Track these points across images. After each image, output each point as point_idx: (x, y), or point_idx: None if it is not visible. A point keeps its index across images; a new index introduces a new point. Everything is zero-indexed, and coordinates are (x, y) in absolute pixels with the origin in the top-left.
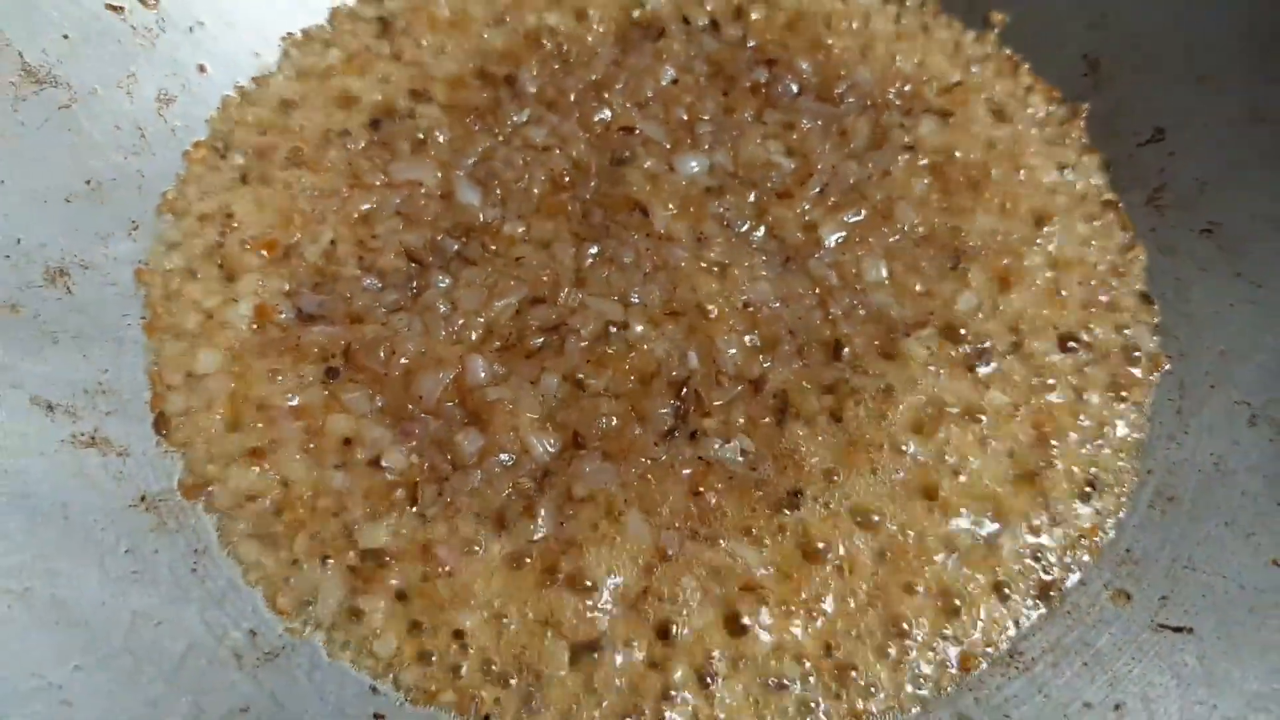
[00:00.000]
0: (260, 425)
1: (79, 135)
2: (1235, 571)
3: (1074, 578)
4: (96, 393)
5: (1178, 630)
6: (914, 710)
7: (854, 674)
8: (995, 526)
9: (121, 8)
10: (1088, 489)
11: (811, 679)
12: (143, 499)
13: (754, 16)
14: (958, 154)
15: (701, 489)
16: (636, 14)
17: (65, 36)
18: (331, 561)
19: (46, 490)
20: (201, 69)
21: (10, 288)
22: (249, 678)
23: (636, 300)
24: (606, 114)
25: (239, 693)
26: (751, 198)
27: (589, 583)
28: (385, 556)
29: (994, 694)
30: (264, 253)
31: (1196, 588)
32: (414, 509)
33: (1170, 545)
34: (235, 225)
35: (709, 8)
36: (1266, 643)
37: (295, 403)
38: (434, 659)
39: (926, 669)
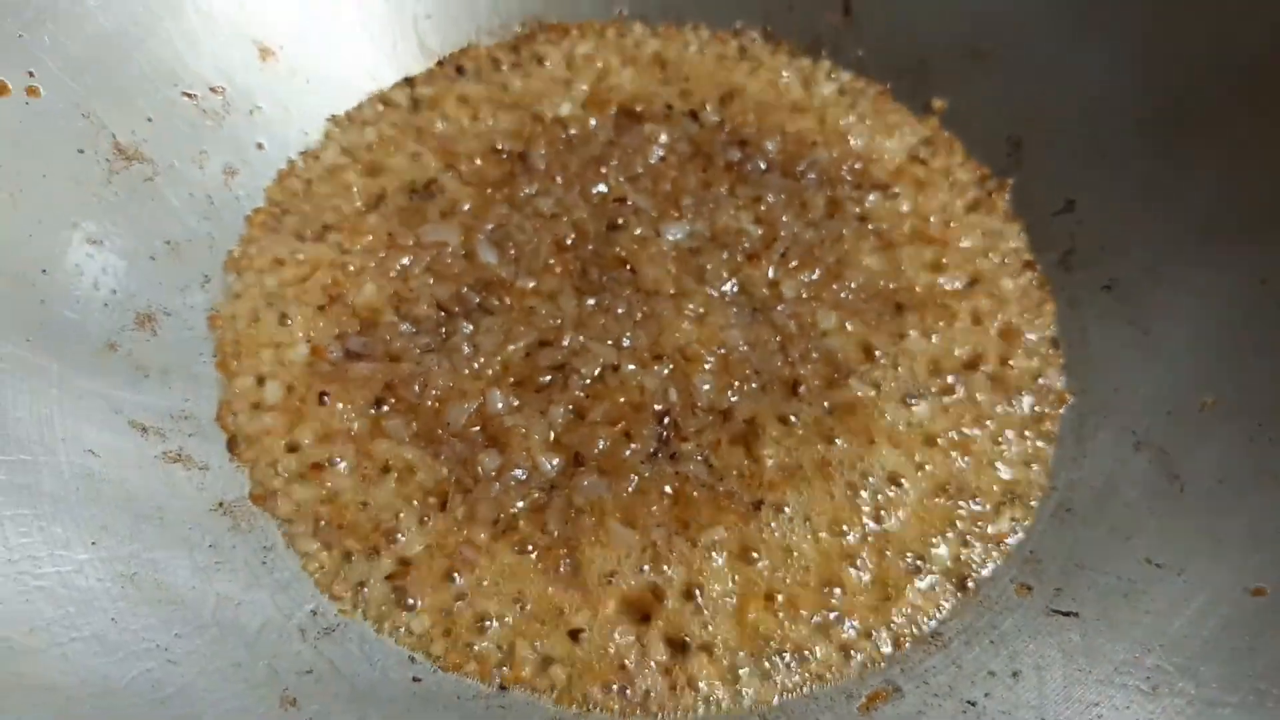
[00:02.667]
0: (315, 447)
1: (161, 203)
2: (1115, 567)
3: (986, 574)
4: (180, 418)
5: (1066, 614)
6: (852, 677)
7: (804, 650)
8: (924, 533)
9: (195, 95)
10: (1002, 502)
11: (768, 653)
12: (221, 505)
13: (730, 105)
14: (901, 221)
15: (680, 500)
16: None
17: (149, 120)
18: (376, 557)
19: (145, 496)
20: (260, 146)
21: (110, 330)
22: (311, 648)
23: (628, 344)
24: (603, 187)
25: (304, 659)
26: (725, 259)
27: (586, 574)
28: (420, 553)
29: (916, 666)
30: (315, 302)
31: (1084, 581)
32: (443, 514)
33: (1065, 548)
34: (291, 279)
35: (695, 100)
36: (1133, 622)
37: (344, 428)
38: (460, 637)
39: (862, 646)
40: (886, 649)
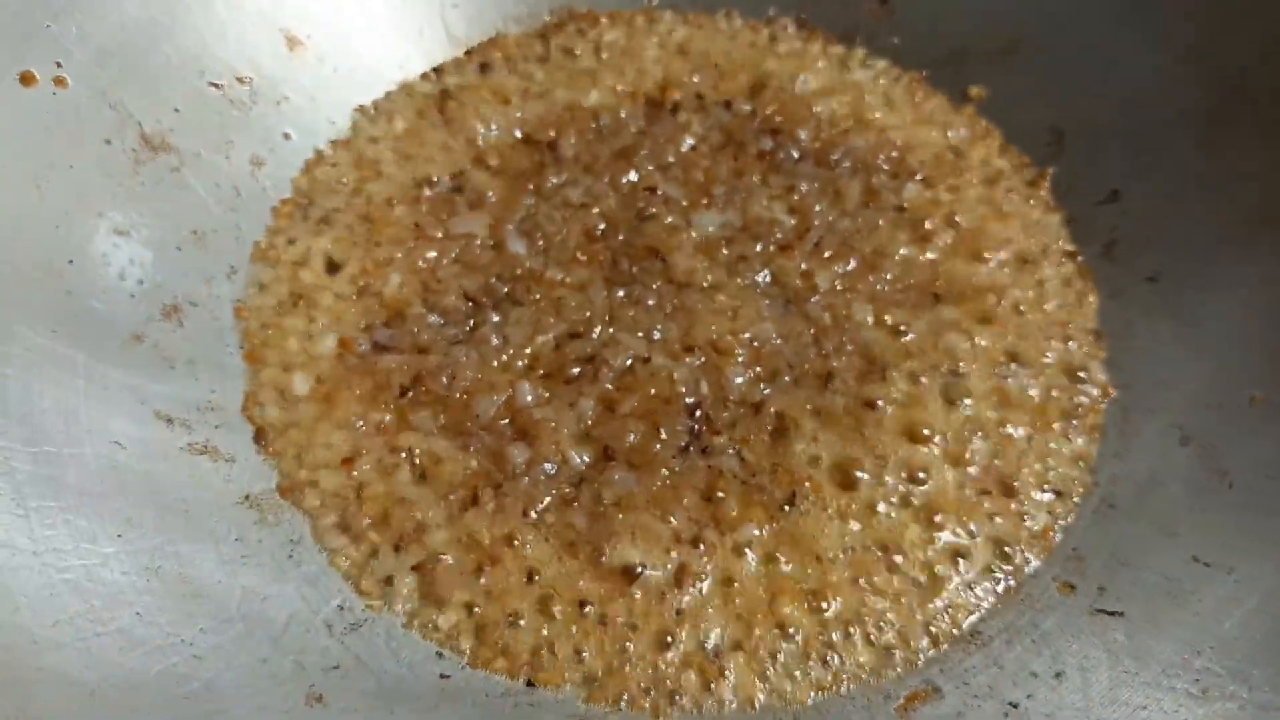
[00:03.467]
0: (343, 440)
1: (187, 193)
2: (1161, 565)
3: (1028, 571)
4: (206, 409)
5: (1111, 614)
6: (890, 676)
7: (839, 647)
8: (964, 529)
9: (222, 85)
10: (1044, 498)
11: (802, 650)
12: (247, 498)
13: (762, 94)
14: (938, 211)
15: (711, 495)
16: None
17: (176, 110)
18: (404, 551)
19: (170, 488)
20: (287, 136)
21: (136, 321)
22: (338, 643)
23: (658, 336)
24: (633, 176)
25: (331, 655)
26: (757, 249)
27: (616, 568)
28: (448, 547)
29: (956, 666)
30: (343, 293)
31: (1129, 579)
32: (472, 508)
33: (1109, 545)
34: (317, 270)
35: (726, 88)
36: (1180, 622)
37: (372, 420)
38: (488, 633)
39: (900, 645)
40: (925, 648)
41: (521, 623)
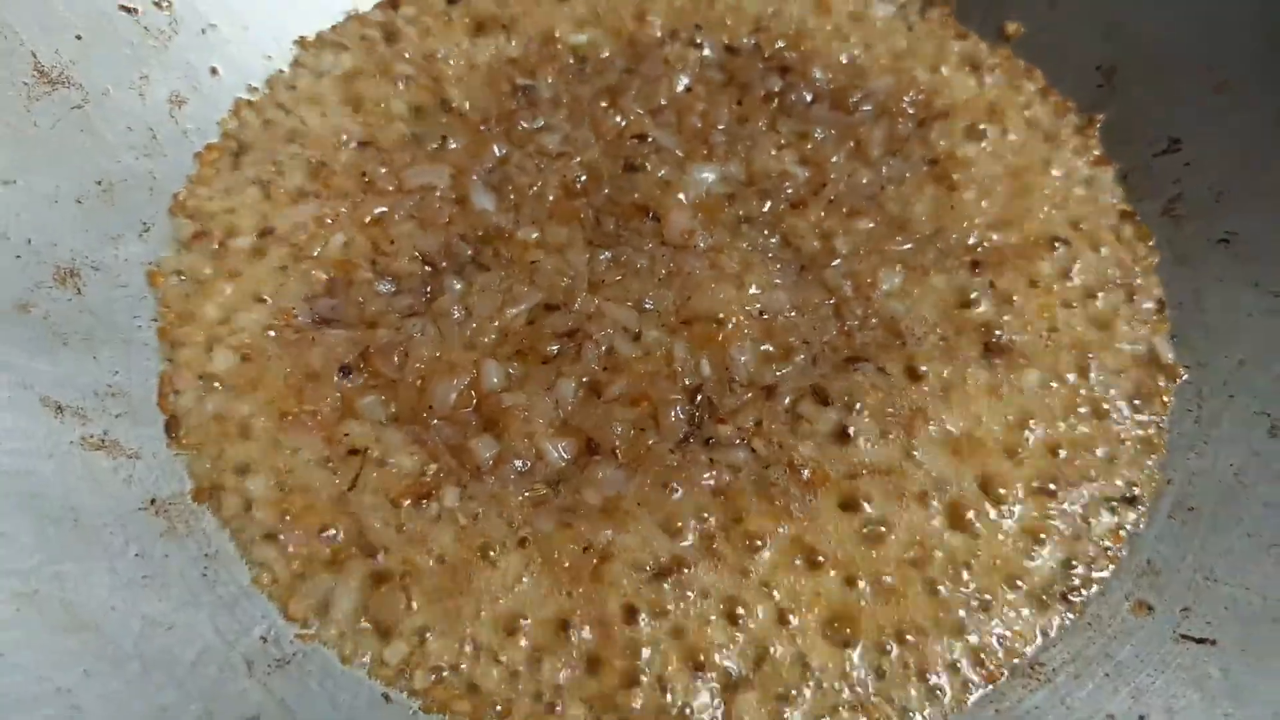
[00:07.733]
0: (274, 431)
1: (91, 136)
2: (1258, 584)
3: (1094, 589)
4: (106, 395)
5: (1200, 642)
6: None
7: (869, 685)
8: (1013, 538)
9: (135, 9)
10: (1109, 500)
11: (826, 689)
12: (152, 502)
13: (770, 27)
14: (972, 164)
15: (717, 496)
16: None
17: (78, 37)
18: (344, 568)
19: (55, 492)
20: (214, 71)
21: (21, 288)
22: (260, 685)
23: (650, 307)
24: (620, 121)
25: (250, 700)
26: (766, 206)
27: (603, 588)
28: (399, 563)
29: (1015, 705)
30: (277, 257)
31: (1219, 600)
32: (435, 515)
33: (1191, 556)
34: (248, 228)
35: (727, 21)
36: None
37: (309, 407)
38: (448, 667)
39: (945, 680)
40: (976, 683)
41: (487, 655)
